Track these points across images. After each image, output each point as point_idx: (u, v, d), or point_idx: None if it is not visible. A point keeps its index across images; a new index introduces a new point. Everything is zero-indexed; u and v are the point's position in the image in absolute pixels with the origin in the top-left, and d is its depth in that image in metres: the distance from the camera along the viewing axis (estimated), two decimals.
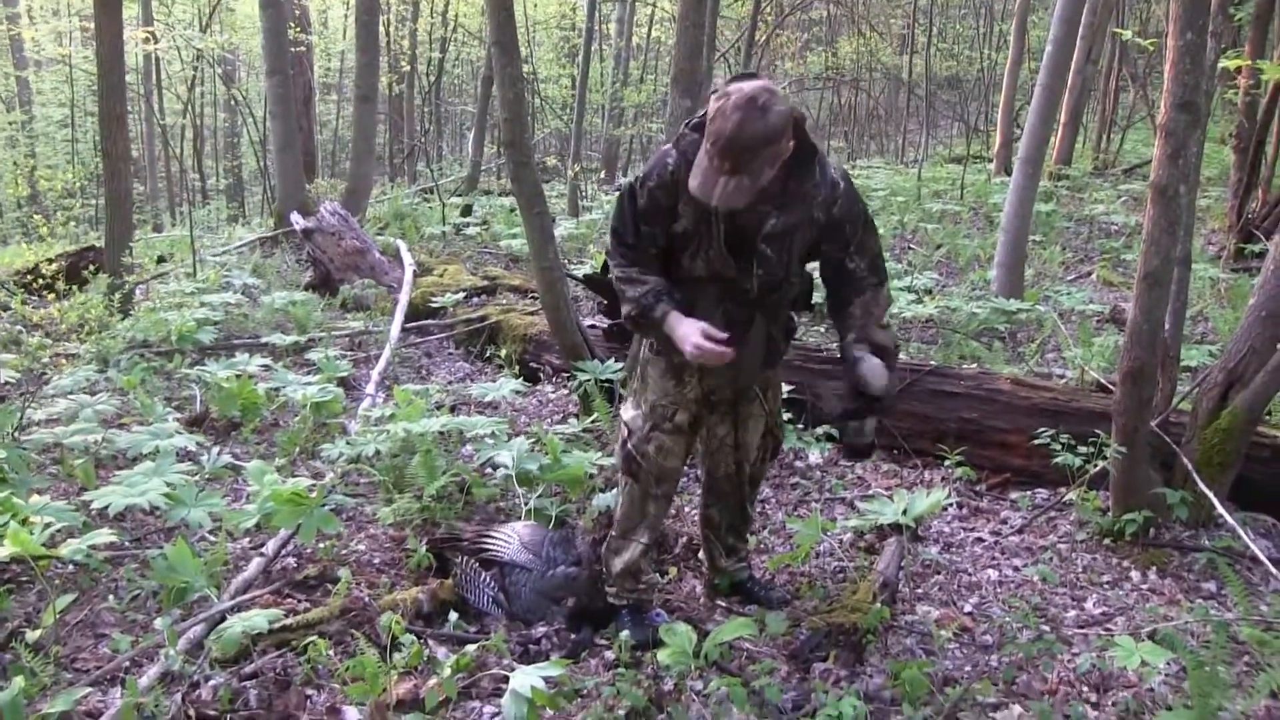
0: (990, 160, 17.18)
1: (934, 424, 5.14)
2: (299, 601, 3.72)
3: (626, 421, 3.50)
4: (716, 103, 2.82)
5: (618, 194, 3.30)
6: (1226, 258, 9.86)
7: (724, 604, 3.81)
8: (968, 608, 3.81)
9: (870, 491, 4.82)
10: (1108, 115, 17.39)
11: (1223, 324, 7.37)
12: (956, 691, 3.12)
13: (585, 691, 3.16)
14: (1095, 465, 4.34)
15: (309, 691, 3.12)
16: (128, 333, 6.74)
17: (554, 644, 3.54)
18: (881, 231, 10.63)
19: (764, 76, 3.03)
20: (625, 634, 3.40)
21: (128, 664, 3.19)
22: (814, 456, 5.16)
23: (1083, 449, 4.45)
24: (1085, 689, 3.30)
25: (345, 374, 6.36)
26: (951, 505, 4.66)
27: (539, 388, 6.53)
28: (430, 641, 3.43)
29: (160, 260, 10.28)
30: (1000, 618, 3.70)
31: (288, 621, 3.36)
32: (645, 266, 3.22)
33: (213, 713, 2.93)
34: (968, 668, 3.40)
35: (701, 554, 3.97)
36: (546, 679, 2.90)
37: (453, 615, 3.58)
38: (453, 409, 5.98)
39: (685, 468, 3.75)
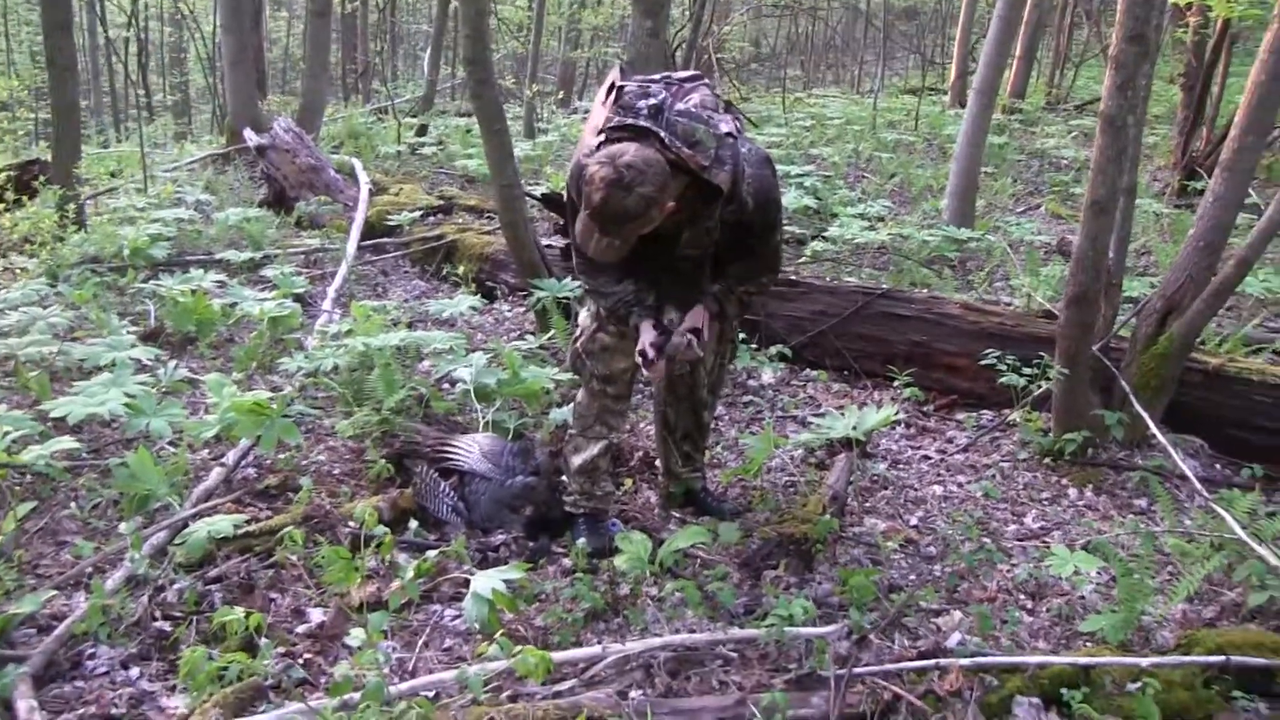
0: (945, 93, 17.24)
1: (884, 346, 5.26)
2: (260, 510, 3.78)
3: (580, 322, 3.63)
4: (592, 166, 2.90)
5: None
6: (1170, 194, 10.04)
7: (678, 515, 3.93)
8: (913, 521, 3.95)
9: (821, 410, 4.94)
10: (1062, 50, 17.49)
11: (1164, 257, 7.52)
12: (901, 597, 3.26)
13: (544, 595, 3.27)
14: (1039, 387, 4.48)
15: (273, 594, 3.20)
16: (80, 247, 6.68)
17: (512, 552, 3.64)
18: (836, 160, 10.78)
19: (654, 94, 3.10)
20: (582, 542, 3.49)
21: (91, 569, 3.25)
22: (767, 375, 5.27)
23: (1027, 371, 4.59)
24: (1022, 596, 3.46)
25: (301, 290, 6.35)
26: (900, 424, 4.80)
27: (496, 306, 6.57)
28: (392, 552, 3.50)
29: (110, 175, 10.13)
30: (944, 530, 3.85)
31: (251, 528, 3.43)
32: (606, 273, 3.34)
33: (178, 614, 3.00)
34: (912, 576, 3.55)
35: (658, 462, 4.08)
36: (507, 581, 3.00)
37: (413, 524, 3.63)
38: (410, 325, 6.02)
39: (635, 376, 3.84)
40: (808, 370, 5.44)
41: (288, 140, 8.81)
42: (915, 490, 4.19)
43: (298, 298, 6.35)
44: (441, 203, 8.41)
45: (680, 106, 3.07)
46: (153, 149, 12.77)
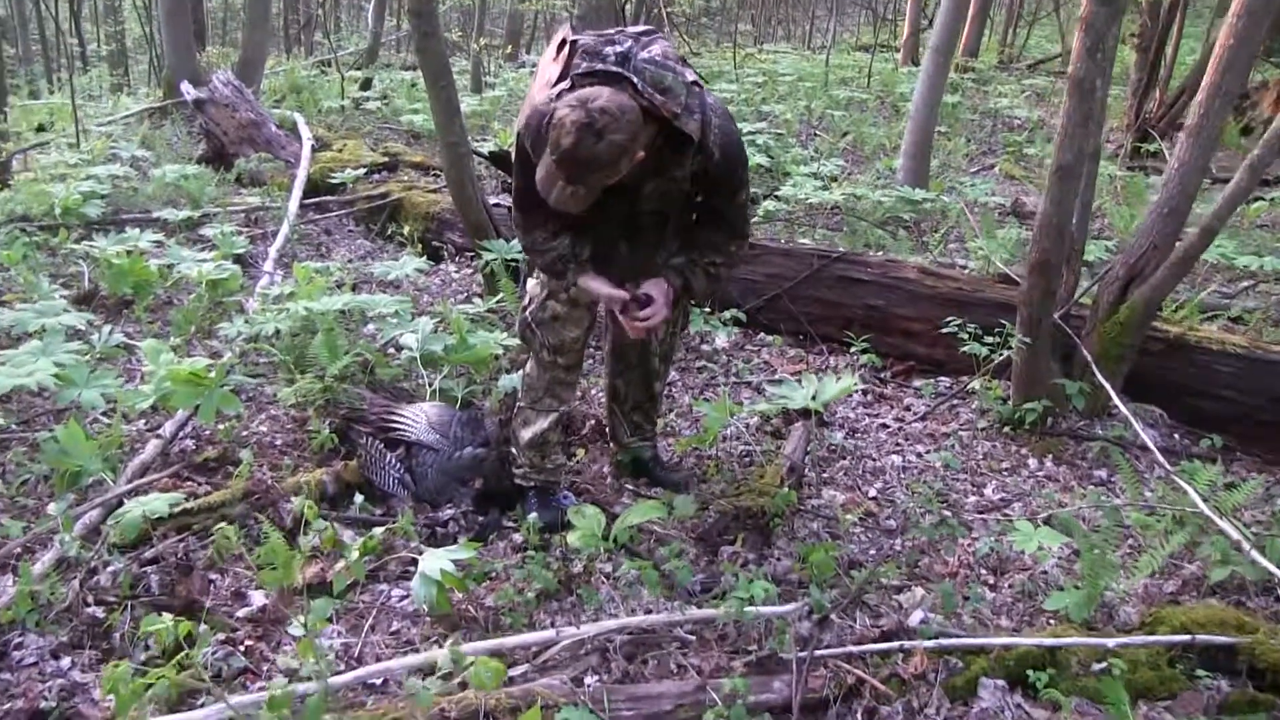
0: (897, 50, 17.15)
1: (840, 310, 5.17)
2: (199, 485, 3.62)
3: (529, 290, 3.49)
4: (561, 109, 2.74)
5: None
6: (1123, 156, 10.04)
7: (631, 487, 3.83)
8: (872, 492, 3.88)
9: (776, 376, 4.85)
10: (1014, 9, 17.44)
11: (1119, 220, 7.51)
12: (862, 574, 3.18)
13: (495, 574, 3.15)
14: (999, 355, 4.42)
15: (212, 576, 3.06)
16: (6, 205, 6.41)
17: (461, 527, 3.52)
18: (789, 117, 10.66)
19: (620, 41, 2.98)
20: (533, 516, 3.38)
21: (20, 550, 3.09)
22: (720, 340, 5.17)
23: (988, 339, 4.52)
24: (984, 571, 3.40)
25: (242, 251, 6.14)
26: (857, 392, 4.72)
27: (442, 267, 6.40)
28: (336, 525, 3.37)
29: (40, 129, 9.77)
30: (903, 502, 3.78)
31: (188, 505, 3.27)
32: (542, 228, 3.18)
33: (112, 599, 2.85)
34: (872, 551, 3.48)
35: (607, 431, 3.97)
36: (455, 561, 2.89)
37: (358, 498, 3.50)
38: (354, 287, 5.84)
39: (589, 344, 3.73)
40: (762, 335, 5.34)
41: (227, 94, 8.53)
42: (874, 460, 4.12)
43: (238, 258, 6.15)
44: (386, 160, 8.20)
45: (645, 55, 2.94)
46: (86, 101, 12.37)
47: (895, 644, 2.76)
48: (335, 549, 3.20)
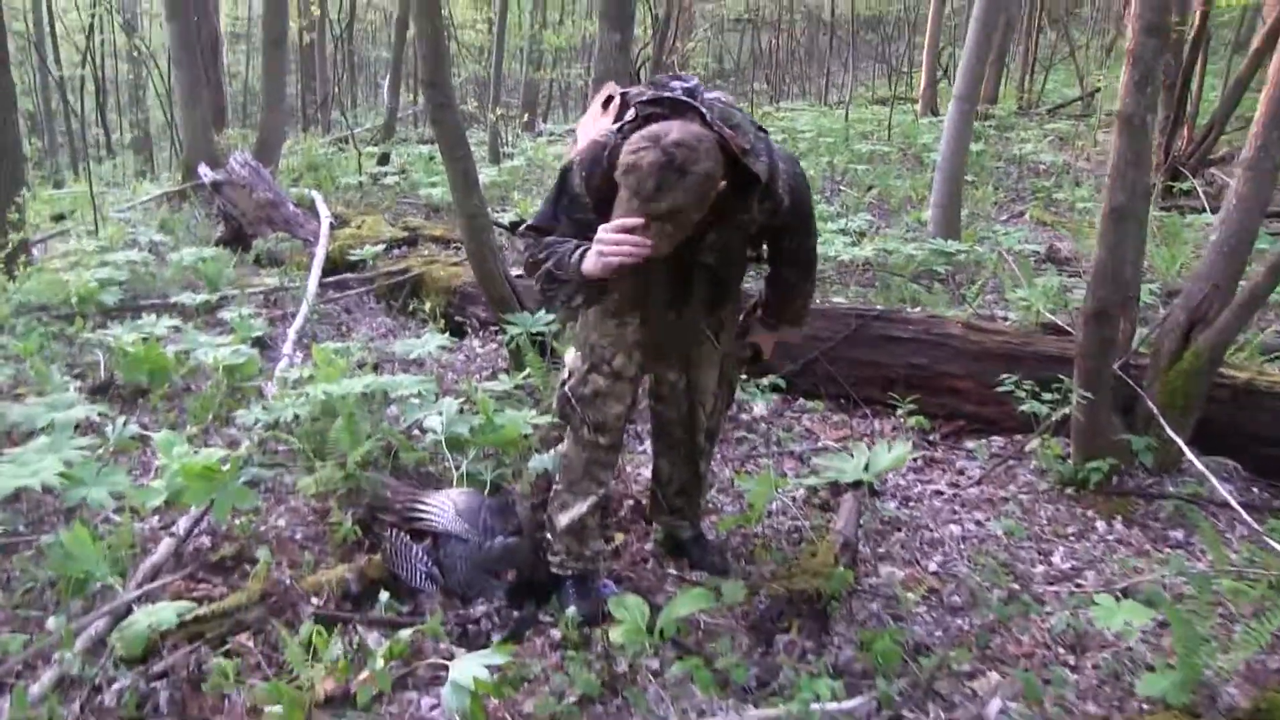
0: (915, 101, 17.03)
1: (882, 371, 4.94)
2: (214, 586, 3.40)
3: (567, 364, 3.26)
4: (633, 151, 2.54)
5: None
6: (1155, 196, 9.79)
7: (674, 572, 3.58)
8: (932, 566, 3.62)
9: (819, 444, 4.62)
10: (1030, 55, 17.30)
11: (1160, 262, 7.26)
12: (931, 660, 2.92)
13: (532, 676, 2.90)
14: (1056, 412, 4.16)
15: (226, 691, 2.82)
16: (17, 295, 6.28)
17: (495, 624, 3.27)
18: (811, 173, 10.49)
19: (685, 79, 2.84)
20: (572, 610, 3.15)
21: (20, 668, 2.86)
22: (759, 408, 4.94)
23: (1046, 397, 4.27)
24: (1062, 650, 3.13)
25: (260, 334, 5.99)
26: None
27: (466, 342, 6.21)
28: (359, 627, 3.14)
29: (59, 218, 9.72)
30: (967, 576, 3.52)
31: (201, 611, 3.05)
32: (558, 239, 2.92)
33: None
34: (938, 632, 3.21)
35: (646, 510, 3.75)
36: (489, 666, 2.65)
37: (383, 595, 3.29)
38: (375, 368, 5.66)
39: (629, 421, 3.52)
40: (801, 400, 5.11)
41: (243, 175, 8.44)
42: (930, 531, 3.86)
43: (257, 341, 6.00)
44: (406, 234, 8.07)
45: (709, 95, 2.78)
46: (109, 188, 12.38)
47: None
48: (359, 654, 2.98)
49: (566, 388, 3.21)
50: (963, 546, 3.75)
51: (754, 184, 2.78)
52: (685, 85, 2.78)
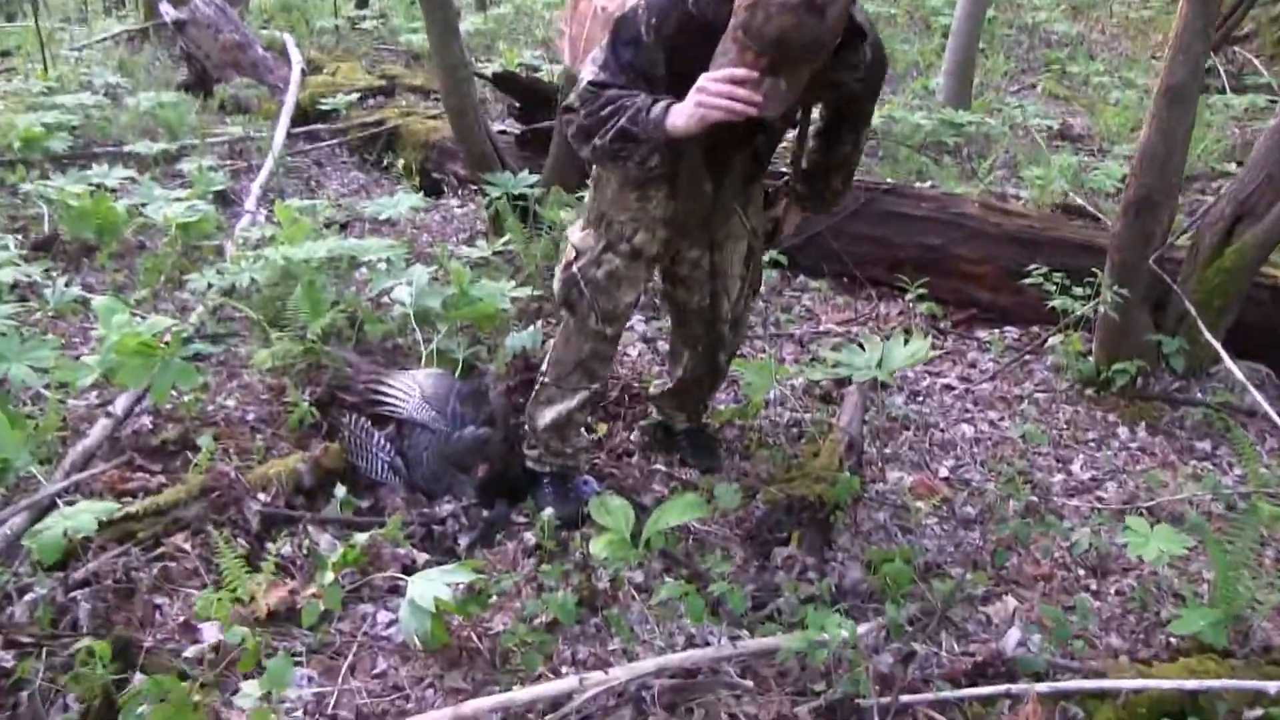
0: None
1: (891, 250, 4.57)
2: (153, 475, 3.07)
3: (575, 243, 2.83)
4: None
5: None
6: None
7: (663, 468, 3.27)
8: (943, 471, 3.32)
9: (821, 327, 4.28)
10: None
11: (1193, 149, 6.81)
12: (946, 585, 2.63)
13: (502, 592, 2.60)
14: (1084, 307, 3.81)
15: (159, 600, 2.52)
16: None
17: (462, 525, 2.97)
18: None
19: None
20: (549, 511, 2.85)
21: None
22: None
23: (1077, 290, 3.92)
24: (1082, 572, 2.87)
25: (222, 187, 5.55)
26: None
27: (443, 201, 5.79)
28: (310, 528, 2.83)
29: (4, 54, 9.11)
30: (980, 483, 3.23)
31: (132, 508, 2.72)
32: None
33: (27, 639, 2.28)
34: (951, 548, 2.93)
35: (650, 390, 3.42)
36: (452, 584, 2.35)
37: (339, 490, 2.98)
38: (345, 227, 5.26)
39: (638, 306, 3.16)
40: (803, 278, 4.75)
41: (209, 14, 7.83)
42: (941, 431, 3.55)
43: (220, 195, 5.58)
44: (383, 83, 7.56)
45: None
46: (66, 24, 11.62)
47: (1001, 688, 2.21)
48: (310, 560, 2.68)
49: (575, 268, 2.79)
50: (976, 450, 3.45)
51: (860, 39, 2.36)
52: None
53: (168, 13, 8.24)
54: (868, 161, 6.46)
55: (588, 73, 2.44)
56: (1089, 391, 3.74)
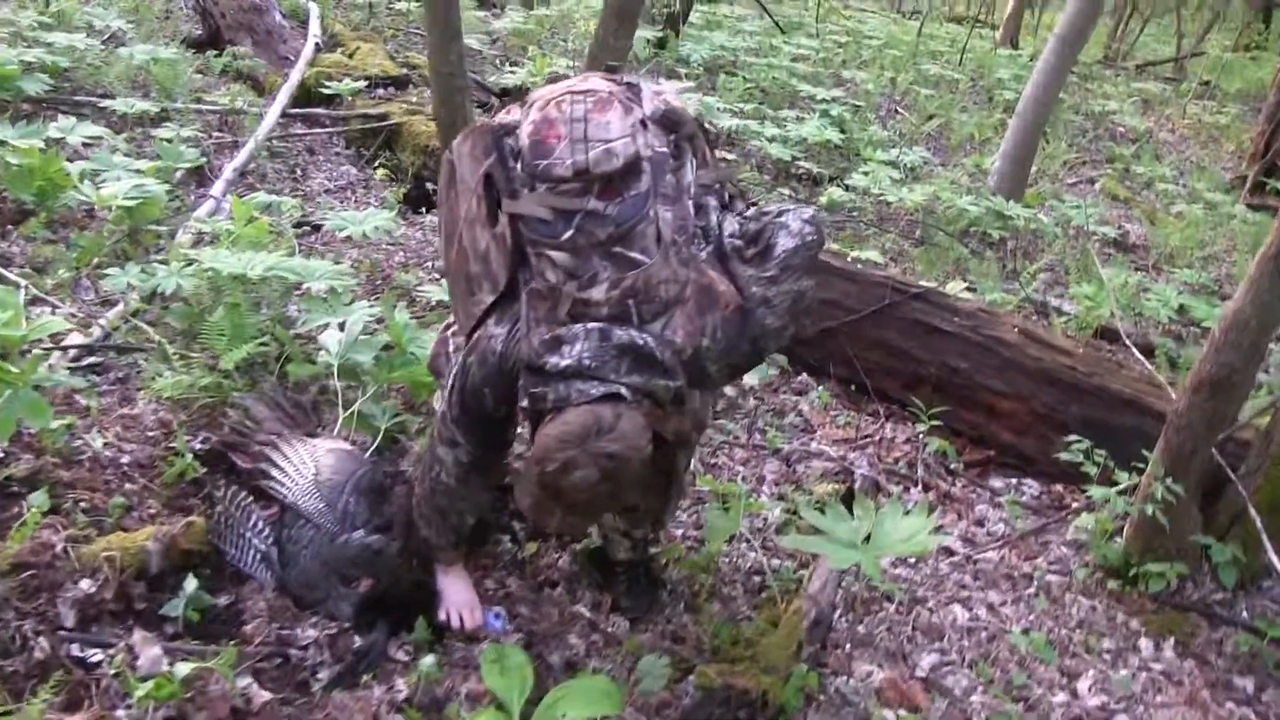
0: (995, 28, 15.63)
1: (910, 364, 3.99)
2: None
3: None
4: (552, 458, 1.95)
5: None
6: (1244, 192, 8.68)
7: (587, 612, 2.70)
8: (924, 666, 2.74)
9: (813, 444, 3.71)
10: (1130, 1, 15.79)
11: (1240, 269, 6.23)
12: None
13: None
14: (1124, 501, 3.21)
15: None
16: None
17: (325, 659, 2.40)
18: (870, 88, 9.36)
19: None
20: (429, 660, 2.29)
21: None
22: (751, 378, 3.98)
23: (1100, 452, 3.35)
24: None
25: (195, 164, 5.01)
26: (915, 485, 3.57)
27: (429, 217, 5.24)
28: (136, 634, 2.27)
29: None
30: (964, 695, 2.65)
31: None
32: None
33: None
34: None
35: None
36: None
37: (189, 583, 2.43)
38: (317, 230, 4.72)
39: None
40: (805, 376, 4.18)
41: None
42: (930, 611, 2.96)
43: (194, 172, 5.06)
44: (402, 73, 7.00)
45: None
46: None
47: None
48: (116, 686, 2.12)
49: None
50: (966, 643, 2.86)
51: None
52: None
53: None
54: (901, 241, 5.90)
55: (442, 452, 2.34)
56: (1112, 584, 3.15)
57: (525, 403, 2.04)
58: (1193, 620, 3.05)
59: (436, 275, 4.38)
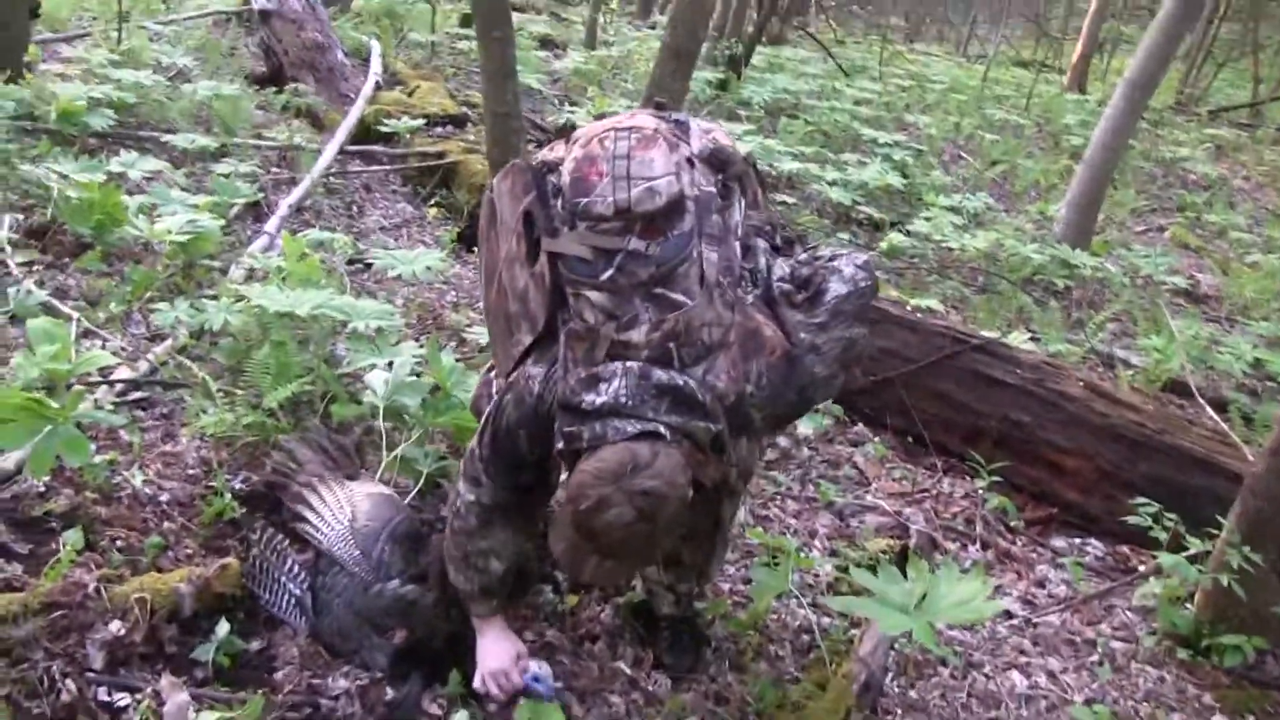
0: (1062, 73, 15.45)
1: (970, 417, 3.87)
2: (10, 561, 2.49)
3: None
4: (586, 495, 1.88)
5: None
6: None
7: (627, 669, 2.60)
8: None
9: (869, 499, 3.59)
10: (1205, 45, 15.54)
11: None
12: None
13: None
14: (1197, 569, 3.05)
15: None
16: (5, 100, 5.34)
17: (356, 710, 2.32)
18: (933, 132, 9.24)
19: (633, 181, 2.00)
20: (463, 716, 2.21)
21: None
22: (805, 428, 3.88)
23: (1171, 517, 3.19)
24: None
25: (252, 199, 5.04)
26: (974, 542, 3.44)
27: None
28: (162, 685, 2.21)
29: (93, 19, 8.76)
30: None
31: None
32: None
33: None
34: None
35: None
36: None
37: (222, 627, 2.37)
38: (369, 267, 4.70)
39: None
40: (861, 426, 4.07)
41: (296, 8, 7.42)
42: (987, 677, 2.82)
43: (250, 207, 5.08)
44: (461, 111, 7.04)
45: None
46: None
47: None
48: None
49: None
50: (1025, 712, 2.72)
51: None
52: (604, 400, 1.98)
53: (256, 0, 7.83)
54: (961, 289, 5.77)
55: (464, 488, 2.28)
56: (1182, 654, 2.99)
57: (560, 443, 1.96)
58: (1274, 698, 2.88)
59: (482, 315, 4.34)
